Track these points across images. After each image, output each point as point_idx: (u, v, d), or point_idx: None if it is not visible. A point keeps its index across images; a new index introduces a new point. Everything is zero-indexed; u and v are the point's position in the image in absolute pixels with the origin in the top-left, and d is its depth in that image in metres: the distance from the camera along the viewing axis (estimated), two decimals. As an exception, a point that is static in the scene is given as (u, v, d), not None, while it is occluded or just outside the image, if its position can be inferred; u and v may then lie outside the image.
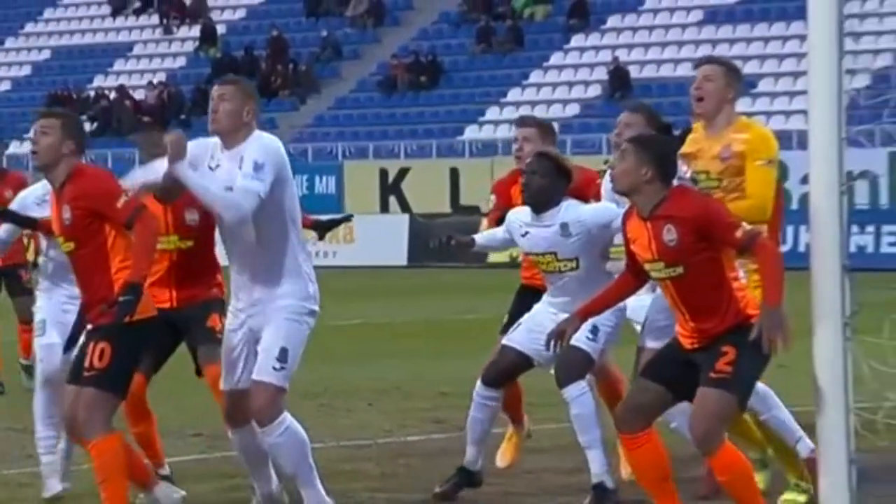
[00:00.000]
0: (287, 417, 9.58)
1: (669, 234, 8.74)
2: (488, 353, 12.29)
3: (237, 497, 10.71)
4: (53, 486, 11.01)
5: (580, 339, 10.45)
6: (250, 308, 9.64)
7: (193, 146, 9.67)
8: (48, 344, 10.96)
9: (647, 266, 8.91)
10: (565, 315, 10.42)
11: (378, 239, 39.38)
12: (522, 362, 10.81)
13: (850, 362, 8.74)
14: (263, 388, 9.52)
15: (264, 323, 9.59)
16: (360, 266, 37.37)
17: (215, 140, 9.81)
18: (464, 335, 21.74)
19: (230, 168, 9.56)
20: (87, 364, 9.42)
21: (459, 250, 11.44)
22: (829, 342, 8.74)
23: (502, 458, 11.67)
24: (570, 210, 10.64)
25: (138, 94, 50.02)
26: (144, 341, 9.59)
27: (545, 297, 10.98)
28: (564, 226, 10.61)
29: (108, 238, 9.44)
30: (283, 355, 9.54)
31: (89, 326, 9.52)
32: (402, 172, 42.00)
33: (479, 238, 11.40)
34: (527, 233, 10.78)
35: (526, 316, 10.98)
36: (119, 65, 53.68)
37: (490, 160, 40.40)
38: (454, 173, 40.51)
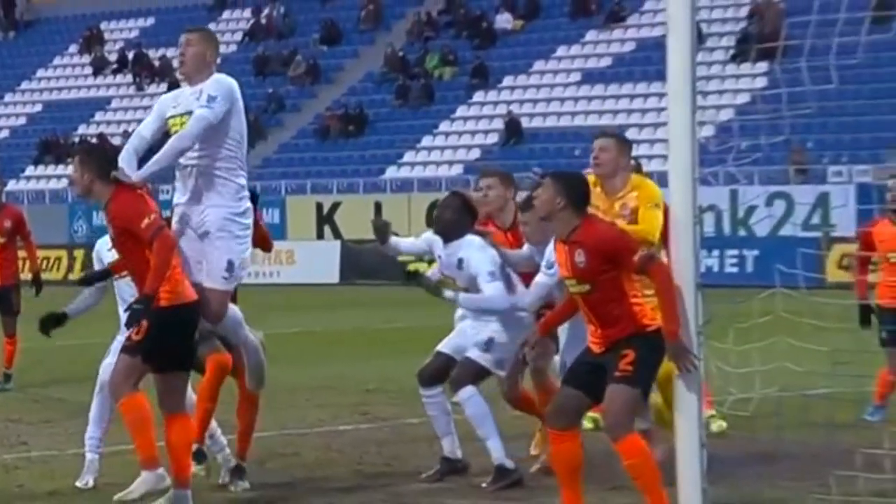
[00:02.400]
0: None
1: (580, 257, 8.74)
2: (407, 356, 12.28)
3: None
4: (88, 480, 10.69)
5: (474, 351, 10.47)
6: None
7: (163, 101, 9.82)
8: (109, 363, 10.39)
9: (566, 282, 8.93)
10: (480, 325, 10.47)
11: (314, 261, 39.31)
12: (451, 365, 10.73)
13: (702, 363, 8.75)
14: (210, 291, 9.58)
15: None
16: (299, 284, 37.23)
17: (176, 91, 9.86)
18: (386, 341, 21.70)
19: (190, 101, 9.59)
20: (128, 336, 9.42)
21: (377, 233, 11.12)
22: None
23: (535, 447, 11.33)
24: (465, 248, 10.60)
25: (115, 140, 49.60)
26: (181, 323, 9.44)
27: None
28: (460, 260, 10.61)
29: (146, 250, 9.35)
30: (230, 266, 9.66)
31: None
32: (335, 206, 41.92)
33: (398, 240, 11.24)
34: (440, 255, 10.78)
35: (460, 326, 10.94)
36: (99, 116, 53.37)
37: (407, 195, 40.49)
38: (378, 206, 40.39)
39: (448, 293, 10.54)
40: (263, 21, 53.50)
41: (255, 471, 10.77)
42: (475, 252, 10.55)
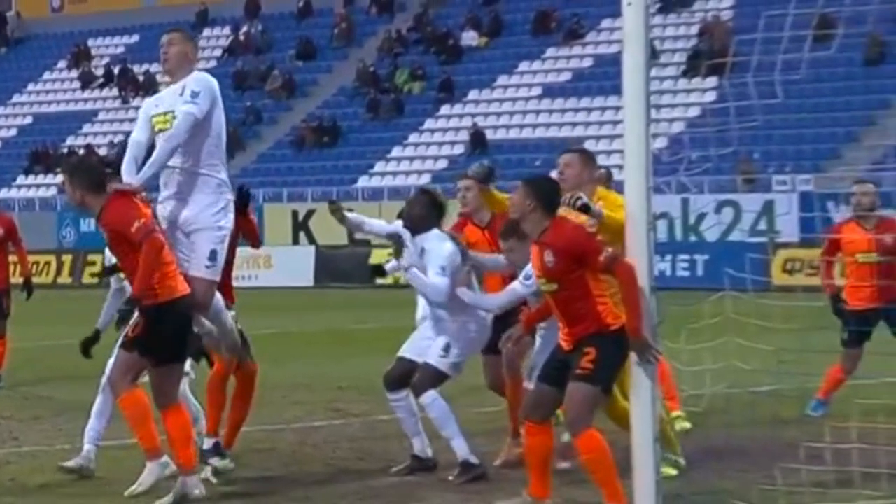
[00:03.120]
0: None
1: (548, 257, 8.76)
2: (377, 355, 12.25)
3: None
4: (79, 463, 10.66)
5: (433, 356, 10.46)
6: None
7: (146, 104, 9.91)
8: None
9: (538, 281, 8.93)
10: (438, 328, 10.44)
11: (290, 265, 39.20)
12: (413, 369, 10.71)
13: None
14: (196, 280, 9.63)
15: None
16: (276, 287, 37.12)
17: (155, 96, 9.93)
18: (357, 341, 21.65)
19: (172, 98, 9.64)
20: (125, 333, 9.42)
21: (332, 214, 11.12)
22: (641, 346, 8.75)
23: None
24: (429, 241, 10.61)
25: (102, 151, 49.56)
26: (176, 316, 9.41)
27: (421, 304, 10.97)
28: (422, 250, 10.61)
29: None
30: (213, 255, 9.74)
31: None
32: (310, 213, 41.79)
33: (363, 218, 11.25)
34: (407, 246, 10.76)
35: (415, 333, 10.94)
36: (87, 128, 53.15)
37: (378, 203, 40.31)
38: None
39: (403, 262, 10.54)
40: (242, 38, 53.41)
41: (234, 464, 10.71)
42: (435, 244, 10.57)
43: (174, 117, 9.58)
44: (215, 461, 10.34)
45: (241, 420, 10.72)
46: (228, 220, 9.82)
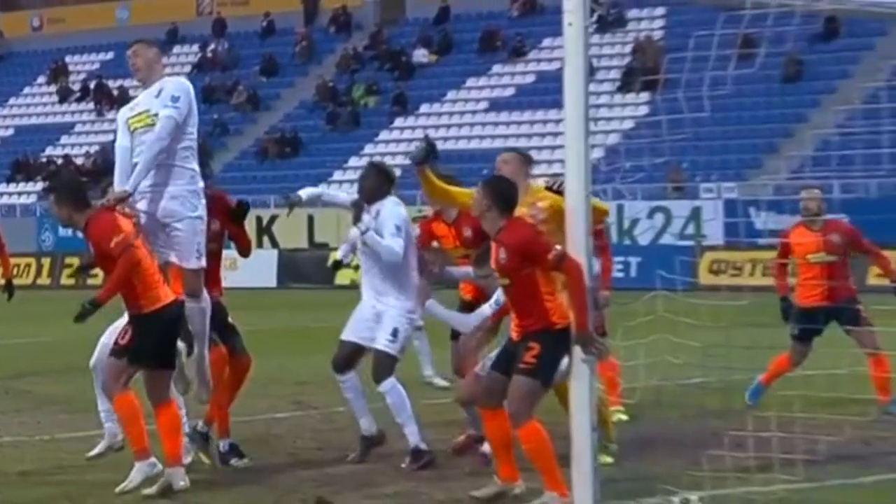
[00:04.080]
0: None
1: (502, 254, 8.74)
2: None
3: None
4: (104, 445, 10.61)
5: (383, 343, 10.39)
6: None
7: (122, 111, 9.86)
8: (105, 343, 10.25)
9: (496, 275, 8.91)
10: (381, 300, 10.35)
11: (254, 267, 38.61)
12: (357, 350, 10.64)
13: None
14: (188, 271, 9.64)
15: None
16: (241, 287, 36.60)
17: (127, 106, 9.88)
18: (318, 338, 21.41)
19: (147, 99, 9.62)
20: (116, 341, 9.34)
21: (292, 206, 11.06)
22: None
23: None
24: (384, 206, 10.59)
25: (79, 161, 49.27)
26: (162, 325, 9.33)
27: (365, 287, 10.80)
28: (377, 211, 10.56)
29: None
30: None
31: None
32: (272, 219, 41.64)
33: (314, 192, 11.13)
34: (368, 211, 10.66)
35: (355, 314, 10.80)
36: (64, 139, 52.74)
37: (336, 210, 40.12)
38: (311, 219, 40.19)
39: (360, 226, 10.48)
40: (210, 55, 53.18)
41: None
42: (390, 207, 10.59)
43: (149, 116, 9.55)
44: (235, 461, 10.32)
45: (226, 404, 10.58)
46: (203, 208, 9.80)
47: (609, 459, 9.82)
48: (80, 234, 9.56)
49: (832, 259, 12.88)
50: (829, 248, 12.90)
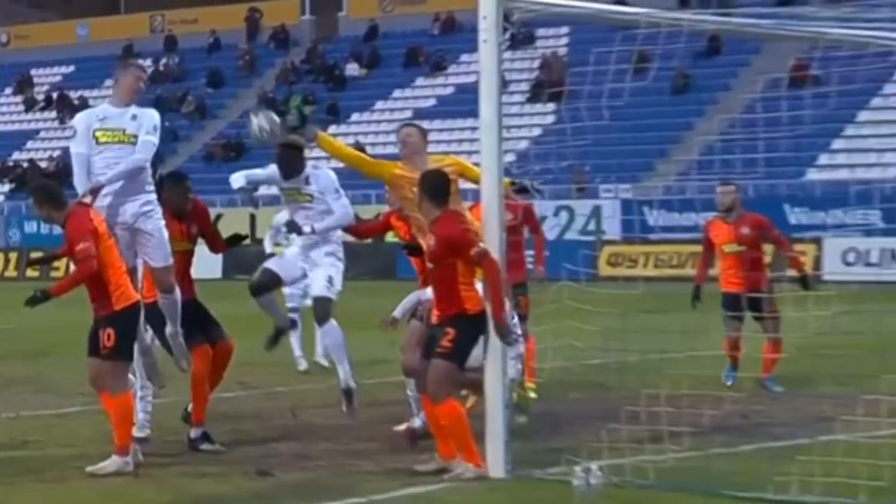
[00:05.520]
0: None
1: (431, 242, 8.69)
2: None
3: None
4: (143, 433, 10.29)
5: (321, 289, 10.32)
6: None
7: (82, 118, 9.61)
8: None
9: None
10: (310, 253, 10.27)
11: (201, 260, 38.14)
12: (275, 280, 10.55)
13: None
14: (161, 270, 9.58)
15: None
16: (191, 276, 36.60)
17: (94, 108, 9.77)
18: (257, 324, 21.29)
19: (120, 118, 9.48)
20: (101, 345, 9.02)
21: (250, 203, 11.09)
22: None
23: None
24: (313, 174, 10.51)
25: (43, 164, 48.60)
26: (132, 321, 9.16)
27: (294, 243, 10.70)
28: (307, 177, 10.45)
29: (101, 265, 8.99)
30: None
31: (95, 317, 9.11)
32: (218, 217, 40.67)
33: (243, 179, 10.93)
34: (305, 228, 10.48)
35: (285, 252, 10.78)
36: (30, 144, 51.96)
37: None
38: (252, 217, 39.97)
39: (306, 230, 10.32)
40: (162, 68, 52.65)
41: (156, 435, 10.40)
42: (318, 175, 10.49)
43: (125, 135, 9.46)
44: (206, 446, 10.02)
45: (210, 390, 10.36)
46: (160, 209, 9.75)
47: (533, 395, 9.75)
48: (44, 231, 9.42)
49: (743, 249, 12.80)
50: (741, 240, 12.84)
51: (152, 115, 9.64)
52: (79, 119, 9.69)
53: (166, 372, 10.32)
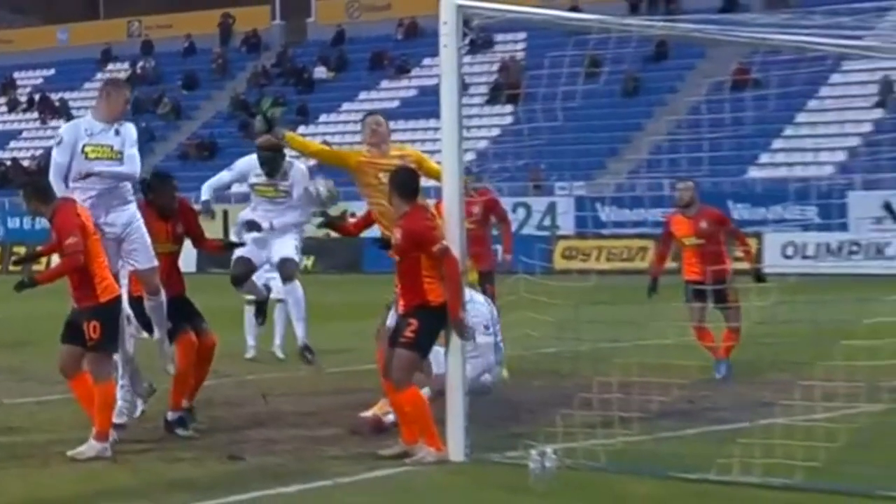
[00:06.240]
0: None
1: (397, 235, 8.64)
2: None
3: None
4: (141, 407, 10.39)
5: (291, 252, 10.64)
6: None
7: (70, 131, 9.53)
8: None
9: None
10: (277, 234, 10.47)
11: (178, 253, 38.43)
12: (250, 266, 11.18)
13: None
14: (147, 272, 9.55)
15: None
16: (167, 269, 36.33)
17: (79, 121, 9.66)
18: (230, 316, 21.19)
19: (106, 135, 9.47)
20: (87, 336, 8.91)
21: (207, 214, 11.34)
22: (451, 322, 8.67)
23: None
24: (292, 168, 11.21)
25: (25, 163, 48.22)
26: (116, 312, 9.12)
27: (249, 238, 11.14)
28: (284, 173, 11.01)
29: (88, 258, 8.90)
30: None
31: (75, 307, 9.02)
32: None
33: (210, 193, 11.33)
34: (262, 178, 11.09)
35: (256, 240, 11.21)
36: (13, 144, 51.48)
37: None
38: (225, 213, 39.71)
39: (264, 225, 11.00)
40: (139, 71, 52.30)
41: (134, 423, 10.29)
42: (291, 170, 11.10)
43: (112, 151, 9.47)
44: (180, 431, 9.91)
45: (198, 384, 10.27)
46: (140, 214, 9.77)
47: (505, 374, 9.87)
48: (27, 227, 9.35)
49: (702, 243, 12.78)
50: (700, 233, 12.84)
51: (131, 130, 9.65)
52: (66, 130, 9.62)
53: (151, 368, 10.24)
